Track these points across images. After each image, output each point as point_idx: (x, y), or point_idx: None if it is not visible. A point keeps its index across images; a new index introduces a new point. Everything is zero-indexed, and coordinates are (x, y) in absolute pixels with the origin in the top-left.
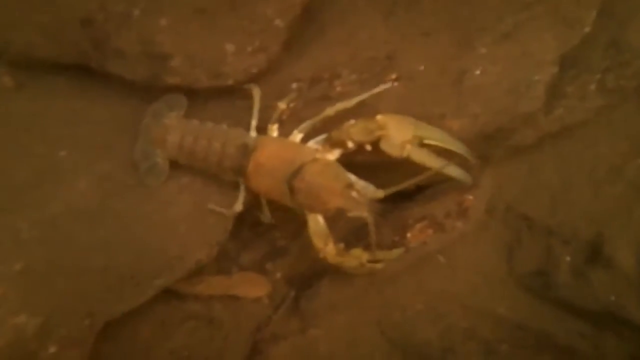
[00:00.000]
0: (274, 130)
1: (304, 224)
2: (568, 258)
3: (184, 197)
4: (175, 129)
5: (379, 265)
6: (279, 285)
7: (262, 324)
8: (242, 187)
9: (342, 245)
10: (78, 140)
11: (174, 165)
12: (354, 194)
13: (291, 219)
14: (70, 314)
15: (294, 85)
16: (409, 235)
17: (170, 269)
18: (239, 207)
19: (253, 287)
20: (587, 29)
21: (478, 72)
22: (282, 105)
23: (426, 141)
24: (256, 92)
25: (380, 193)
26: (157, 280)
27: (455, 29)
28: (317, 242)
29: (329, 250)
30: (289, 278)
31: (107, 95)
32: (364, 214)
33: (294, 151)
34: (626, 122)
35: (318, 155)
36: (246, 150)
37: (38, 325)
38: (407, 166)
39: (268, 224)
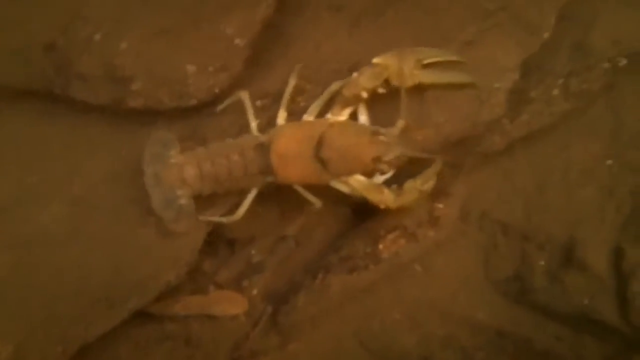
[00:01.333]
0: (282, 119)
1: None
2: (542, 262)
3: (152, 219)
4: (188, 162)
5: (432, 182)
6: (256, 301)
7: (241, 341)
8: (249, 195)
9: (394, 186)
10: (48, 165)
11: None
12: (381, 138)
13: (267, 232)
14: (43, 341)
15: (259, 103)
16: (381, 246)
17: (142, 290)
18: (241, 213)
19: (230, 305)
20: (546, 35)
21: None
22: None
23: (427, 61)
24: (244, 95)
25: (401, 123)
26: (130, 303)
27: (418, 38)
28: (374, 197)
29: (388, 197)
30: (266, 294)
31: (74, 119)
32: (399, 151)
33: (308, 128)
34: (596, 124)
35: (332, 121)
36: (264, 148)
37: (10, 353)
38: None
39: (244, 240)
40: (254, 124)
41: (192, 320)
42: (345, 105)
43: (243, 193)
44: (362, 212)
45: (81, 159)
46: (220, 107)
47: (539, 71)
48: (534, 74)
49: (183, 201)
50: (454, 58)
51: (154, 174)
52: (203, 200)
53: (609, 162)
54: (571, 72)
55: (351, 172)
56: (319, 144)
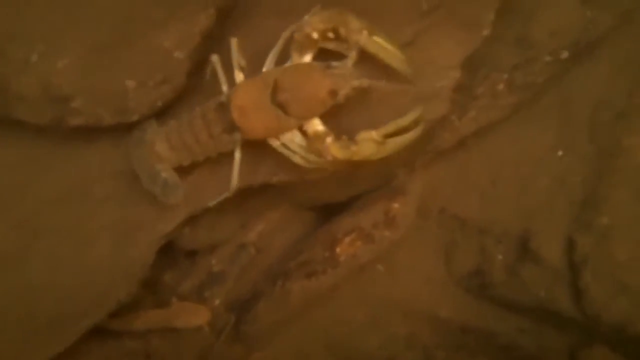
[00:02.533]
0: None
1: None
2: (500, 256)
3: (104, 235)
4: (157, 137)
5: (410, 135)
6: (219, 311)
7: (205, 353)
8: (236, 160)
9: (344, 136)
10: None
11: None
12: (335, 70)
13: (227, 241)
14: None
15: None
16: (338, 249)
17: (92, 310)
18: (235, 182)
19: (192, 317)
20: (486, 32)
21: (383, 83)
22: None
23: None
24: (215, 59)
25: (353, 55)
26: (82, 322)
27: None
28: (316, 145)
29: (331, 145)
30: (229, 303)
31: (19, 140)
32: (355, 82)
33: (263, 77)
34: (546, 116)
35: (285, 66)
36: (224, 106)
37: None
38: (327, 183)
39: (204, 250)
40: (224, 87)
41: (153, 334)
42: (300, 50)
43: (224, 156)
44: (324, 215)
45: (28, 180)
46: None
47: (484, 67)
48: (478, 70)
49: (164, 174)
50: (397, 52)
51: (136, 156)
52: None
53: (560, 152)
54: (515, 66)
55: (311, 112)
56: (275, 89)
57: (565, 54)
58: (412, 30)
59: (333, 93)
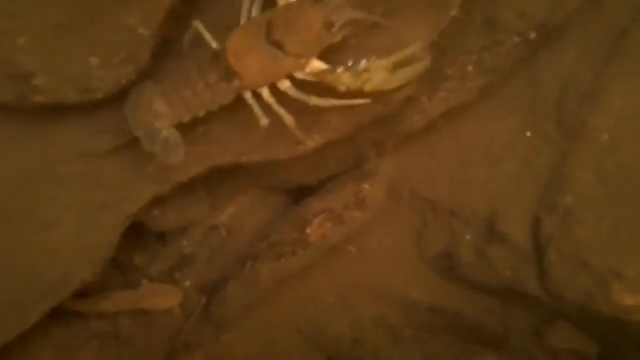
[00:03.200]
0: None
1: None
2: (469, 237)
3: (68, 216)
4: (154, 95)
5: (418, 66)
6: (190, 293)
7: (175, 335)
8: (250, 103)
9: (355, 66)
10: None
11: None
12: (328, 2)
13: (198, 223)
14: None
15: None
16: (308, 230)
17: (54, 291)
18: (265, 121)
19: (163, 299)
20: (454, 12)
21: (350, 63)
22: None
23: None
24: (198, 24)
25: None
26: (41, 305)
27: None
28: (327, 77)
29: (343, 74)
30: (200, 286)
31: None
32: (351, 13)
33: (257, 20)
34: (516, 98)
35: (277, 7)
36: (219, 55)
37: None
38: (297, 165)
39: (175, 232)
40: (214, 44)
41: (122, 316)
42: None
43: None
44: (295, 198)
45: None
46: (185, 44)
47: (453, 49)
48: (447, 52)
49: (165, 133)
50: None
51: (133, 118)
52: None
53: (528, 134)
54: (484, 47)
55: (308, 49)
56: (269, 29)
57: (533, 35)
58: (382, 9)
59: (329, 25)
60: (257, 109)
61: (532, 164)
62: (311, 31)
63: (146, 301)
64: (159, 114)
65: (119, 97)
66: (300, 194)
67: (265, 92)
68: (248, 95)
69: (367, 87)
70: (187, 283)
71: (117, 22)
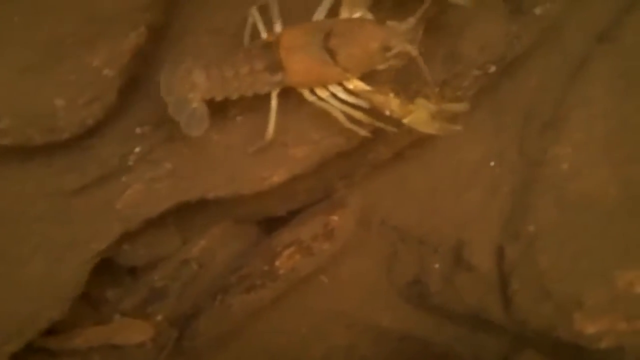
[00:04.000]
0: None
1: None
2: (437, 265)
3: (36, 255)
4: (195, 66)
5: (455, 127)
6: (162, 327)
7: None
8: (272, 108)
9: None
10: None
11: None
12: (389, 23)
13: (169, 257)
14: None
15: (138, 130)
16: (277, 263)
17: (21, 332)
18: (271, 131)
19: (134, 333)
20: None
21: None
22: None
23: None
24: (253, 11)
25: (411, 21)
26: (7, 347)
27: None
28: (378, 98)
29: (392, 100)
30: (172, 319)
31: None
32: (408, 45)
33: (318, 23)
34: (481, 127)
35: (341, 17)
36: (270, 45)
37: None
38: (267, 197)
39: (146, 266)
40: (264, 35)
41: (94, 352)
42: (351, 7)
43: (256, 99)
44: (266, 230)
45: None
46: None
47: (415, 82)
48: (410, 85)
49: (195, 104)
50: None
51: (167, 83)
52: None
53: (492, 163)
54: (445, 80)
55: (358, 65)
56: (327, 35)
57: (493, 69)
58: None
59: (386, 48)
60: (273, 116)
61: (496, 193)
62: (367, 48)
63: (118, 336)
64: (196, 85)
65: (86, 137)
66: (271, 224)
67: (306, 92)
68: (274, 95)
69: (406, 120)
70: (159, 317)
71: (82, 64)
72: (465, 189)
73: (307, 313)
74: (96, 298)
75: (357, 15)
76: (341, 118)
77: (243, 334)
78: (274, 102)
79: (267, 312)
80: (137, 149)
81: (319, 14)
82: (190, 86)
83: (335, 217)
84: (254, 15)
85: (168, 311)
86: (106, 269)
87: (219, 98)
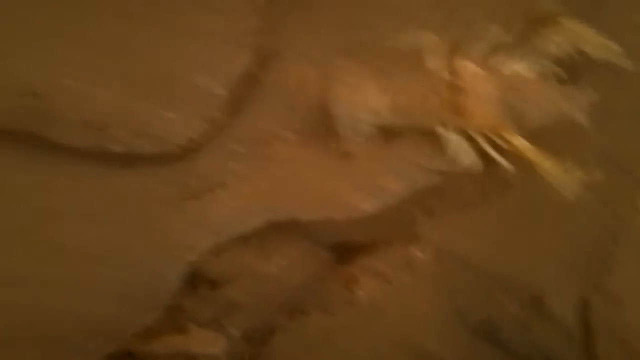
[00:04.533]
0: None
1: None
2: (513, 308)
3: (130, 260)
4: (373, 87)
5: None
6: (235, 341)
7: None
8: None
9: None
10: (21, 206)
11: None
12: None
13: (247, 272)
14: None
15: (240, 149)
16: (355, 288)
17: (115, 335)
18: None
19: (209, 344)
20: None
21: None
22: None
23: None
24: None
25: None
26: (104, 348)
27: None
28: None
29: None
30: (246, 334)
31: (53, 160)
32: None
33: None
34: None
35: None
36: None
37: None
38: (349, 223)
39: (225, 279)
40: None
41: (170, 358)
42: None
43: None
44: (344, 254)
45: (56, 202)
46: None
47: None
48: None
49: (364, 126)
50: None
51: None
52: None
53: (577, 211)
54: None
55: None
56: (517, 83)
57: None
58: None
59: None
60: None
61: (580, 242)
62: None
63: (193, 345)
64: (369, 105)
65: (189, 150)
66: (348, 249)
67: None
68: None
69: (554, 179)
70: (234, 330)
71: (194, 81)
72: (548, 235)
73: (374, 342)
74: (173, 305)
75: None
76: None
77: (312, 356)
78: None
79: (335, 338)
80: (235, 166)
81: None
82: (363, 105)
83: (415, 249)
84: (423, 40)
85: (242, 326)
86: (186, 278)
87: (390, 124)
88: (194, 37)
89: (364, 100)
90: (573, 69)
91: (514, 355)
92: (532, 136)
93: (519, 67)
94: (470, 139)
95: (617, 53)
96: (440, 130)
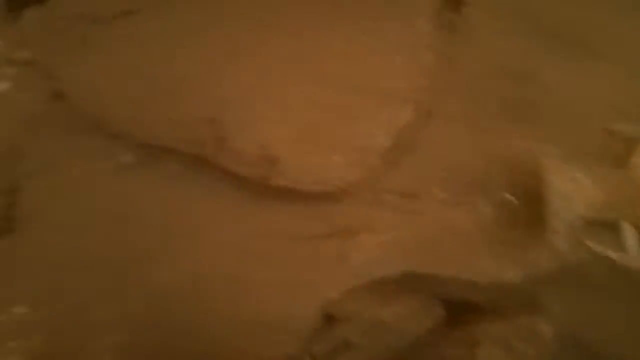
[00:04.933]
0: None
1: None
2: None
3: (274, 293)
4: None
5: None
6: None
7: None
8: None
9: None
10: (181, 223)
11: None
12: None
13: (364, 313)
14: None
15: (387, 197)
16: (477, 351)
17: None
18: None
19: None
20: None
21: None
22: None
23: None
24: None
25: None
26: None
27: None
28: None
29: None
30: None
31: (214, 184)
32: None
33: None
34: None
35: None
36: None
37: None
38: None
39: (342, 317)
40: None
41: None
42: None
43: None
44: (461, 311)
45: (210, 224)
46: None
47: None
48: None
49: (578, 220)
50: None
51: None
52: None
53: None
54: None
55: None
56: None
57: None
58: None
59: None
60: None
61: None
62: None
63: None
64: (584, 190)
65: (344, 194)
66: (466, 308)
67: None
68: None
69: None
70: None
71: (364, 129)
72: None
73: None
74: None
75: None
76: None
77: None
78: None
79: None
80: (383, 214)
81: None
82: (581, 198)
83: (541, 321)
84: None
85: None
86: None
87: (603, 218)
88: (367, 92)
89: (580, 193)
90: None
91: None
92: None
93: None
94: None
95: None
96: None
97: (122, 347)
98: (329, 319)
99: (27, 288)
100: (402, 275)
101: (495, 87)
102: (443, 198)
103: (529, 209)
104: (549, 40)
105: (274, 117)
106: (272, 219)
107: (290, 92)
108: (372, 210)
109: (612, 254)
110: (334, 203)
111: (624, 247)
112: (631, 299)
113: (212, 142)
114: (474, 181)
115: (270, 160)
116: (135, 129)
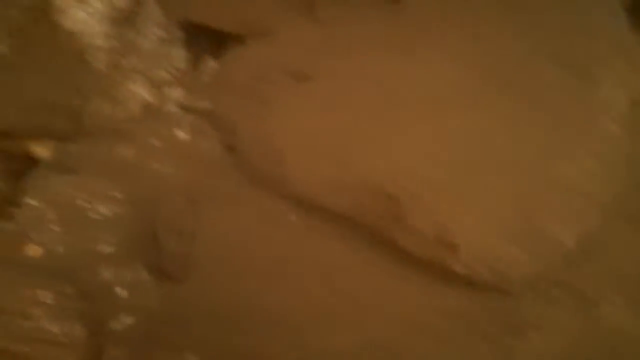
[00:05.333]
0: None
1: None
2: None
3: None
4: None
5: None
6: None
7: None
8: None
9: None
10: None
11: None
12: None
13: None
14: None
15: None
16: None
17: None
18: None
19: None
20: None
21: None
22: None
23: None
24: None
25: None
26: None
27: None
28: None
29: None
30: None
31: (385, 256)
32: None
33: None
34: None
35: None
36: None
37: None
38: None
39: None
40: None
41: None
42: None
43: None
44: None
45: (377, 293)
46: None
47: None
48: None
49: None
50: None
51: None
52: None
53: None
54: None
55: None
56: None
57: None
58: None
59: None
60: None
61: None
62: None
63: None
64: None
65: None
66: None
67: None
68: None
69: None
70: None
71: (548, 227)
72: None
73: None
74: None
75: None
76: None
77: None
78: None
79: None
80: (554, 313)
81: None
82: None
83: None
84: None
85: None
86: None
87: None
88: (556, 188)
89: None
90: None
91: None
92: None
93: None
94: None
95: None
96: None
97: None
98: None
99: (200, 337)
100: None
101: None
102: (621, 305)
103: None
104: None
105: (455, 201)
106: (443, 305)
107: (474, 180)
108: (545, 308)
109: None
110: (506, 295)
111: None
112: None
113: (387, 215)
114: None
115: (450, 247)
116: (308, 191)
